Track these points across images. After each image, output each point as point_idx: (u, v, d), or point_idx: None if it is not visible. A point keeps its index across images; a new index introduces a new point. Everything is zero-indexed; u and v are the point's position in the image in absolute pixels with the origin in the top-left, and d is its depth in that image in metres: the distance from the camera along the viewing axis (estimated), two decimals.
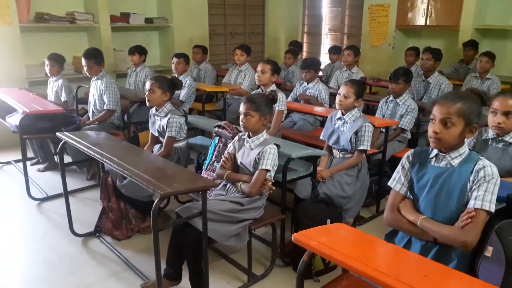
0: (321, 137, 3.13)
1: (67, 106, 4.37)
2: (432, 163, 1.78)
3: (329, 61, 6.00)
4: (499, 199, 1.73)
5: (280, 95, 3.46)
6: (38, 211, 3.43)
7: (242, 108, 2.38)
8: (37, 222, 3.25)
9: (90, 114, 4.16)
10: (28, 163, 3.92)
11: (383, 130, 3.42)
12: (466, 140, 1.87)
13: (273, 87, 3.53)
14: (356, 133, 2.87)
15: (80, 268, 2.64)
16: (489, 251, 1.59)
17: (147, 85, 3.01)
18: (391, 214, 1.84)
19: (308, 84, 4.32)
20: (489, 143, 2.36)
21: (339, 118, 2.98)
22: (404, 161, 1.87)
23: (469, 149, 1.75)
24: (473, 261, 1.68)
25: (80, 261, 2.72)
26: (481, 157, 1.70)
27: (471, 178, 1.66)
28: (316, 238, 1.49)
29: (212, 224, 2.21)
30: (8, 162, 4.48)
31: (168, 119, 3.00)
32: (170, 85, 3.06)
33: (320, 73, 5.37)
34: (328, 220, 2.56)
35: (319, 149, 2.96)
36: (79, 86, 4.60)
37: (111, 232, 2.95)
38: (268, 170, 2.34)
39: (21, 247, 2.91)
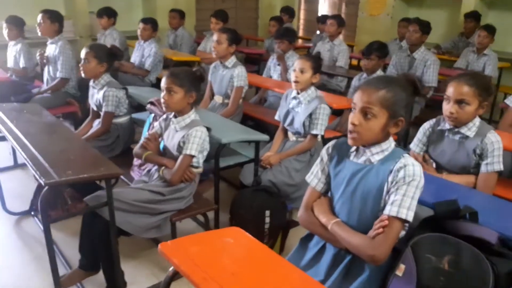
0: (275, 117, 2.84)
1: (26, 73, 4.13)
2: (351, 158, 1.49)
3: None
4: (425, 204, 1.47)
5: (240, 69, 3.17)
6: None
7: (163, 82, 2.10)
8: None
9: (44, 81, 3.91)
10: None
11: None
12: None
13: (233, 59, 3.22)
14: (310, 115, 2.57)
15: (2, 248, 2.48)
16: (400, 270, 1.33)
17: (82, 54, 2.73)
18: (304, 213, 1.59)
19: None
20: (446, 134, 2.04)
21: (294, 97, 2.67)
22: (323, 153, 1.59)
23: (395, 145, 1.46)
24: (386, 277, 1.41)
25: (7, 241, 2.56)
26: (404, 155, 1.41)
27: (390, 179, 1.38)
28: (186, 248, 1.24)
29: (126, 216, 2.00)
30: None
31: (104, 92, 2.73)
32: (108, 54, 2.77)
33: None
34: (267, 212, 2.31)
35: None
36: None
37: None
38: (192, 156, 2.08)
39: None
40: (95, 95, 2.84)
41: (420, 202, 1.50)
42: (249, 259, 1.26)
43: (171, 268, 1.23)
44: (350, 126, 1.41)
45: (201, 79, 2.19)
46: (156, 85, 4.57)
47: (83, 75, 2.80)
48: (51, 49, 3.76)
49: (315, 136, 2.59)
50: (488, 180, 1.91)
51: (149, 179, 2.22)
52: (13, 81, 3.59)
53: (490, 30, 4.16)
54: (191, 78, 2.11)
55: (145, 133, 2.58)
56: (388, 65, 4.10)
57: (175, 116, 2.18)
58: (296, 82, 2.54)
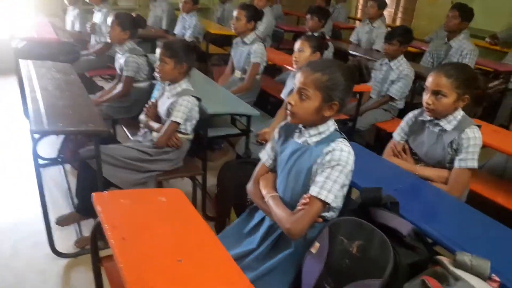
0: (281, 95, 2.88)
1: (80, 37, 4.52)
2: (295, 137, 1.54)
3: None
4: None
5: (257, 46, 3.22)
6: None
7: (157, 53, 2.24)
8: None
9: (91, 45, 4.26)
10: None
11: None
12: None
13: (252, 35, 3.27)
14: None
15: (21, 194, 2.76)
16: (315, 247, 1.38)
17: (107, 21, 2.96)
18: (251, 185, 1.68)
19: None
20: (426, 125, 1.97)
21: None
22: (275, 131, 1.65)
23: (335, 129, 1.47)
24: None
25: (25, 187, 2.82)
26: (340, 139, 1.43)
27: (319, 160, 1.42)
28: (115, 200, 1.39)
29: (115, 170, 2.20)
30: None
31: (126, 58, 2.95)
32: (132, 23, 2.97)
33: None
34: None
35: None
36: None
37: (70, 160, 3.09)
38: (177, 123, 2.23)
39: None
40: (119, 60, 3.08)
41: (356, 186, 1.53)
42: (172, 220, 1.35)
43: (97, 218, 1.36)
44: (288, 106, 1.45)
45: (194, 50, 2.30)
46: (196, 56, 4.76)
47: (108, 40, 3.04)
48: (98, 16, 4.07)
49: None
50: (459, 176, 1.84)
51: (143, 139, 2.42)
52: (63, 42, 3.94)
53: None
54: (183, 50, 2.23)
55: (152, 98, 2.77)
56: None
57: (168, 85, 2.32)
58: (295, 61, 2.56)
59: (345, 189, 1.47)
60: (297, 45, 2.55)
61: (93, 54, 4.14)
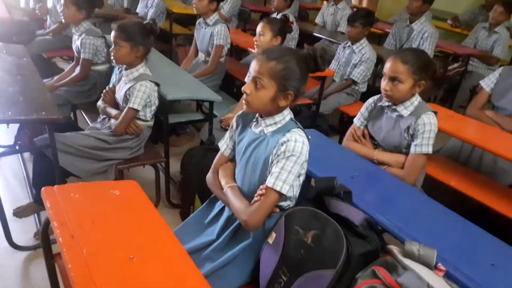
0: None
1: (35, 15, 4.27)
2: (252, 127, 1.52)
3: None
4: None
5: (220, 27, 3.14)
6: None
7: (111, 36, 2.15)
8: None
9: (47, 25, 4.04)
10: None
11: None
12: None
13: (214, 16, 3.19)
14: None
15: None
16: (271, 238, 1.39)
17: (61, 0, 2.81)
18: (210, 175, 1.66)
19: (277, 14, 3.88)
20: (385, 111, 2.01)
21: None
22: (234, 120, 1.63)
23: (291, 119, 1.47)
24: None
25: None
26: (294, 129, 1.42)
27: (274, 151, 1.41)
28: (66, 195, 1.34)
29: (72, 159, 2.13)
30: None
31: (81, 39, 2.82)
32: (87, 1, 2.82)
33: None
34: None
35: None
36: None
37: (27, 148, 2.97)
38: (135, 109, 2.17)
39: None
40: (76, 42, 2.94)
41: (312, 175, 1.54)
42: (125, 214, 1.32)
43: (46, 215, 1.31)
44: (244, 95, 1.43)
45: (152, 32, 2.22)
46: (159, 36, 4.62)
47: (63, 20, 2.88)
48: None
49: None
50: (414, 161, 1.89)
51: (101, 127, 2.34)
52: (17, 21, 3.73)
53: (508, 6, 3.84)
54: (139, 32, 2.15)
55: (111, 83, 2.68)
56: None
57: (125, 69, 2.24)
58: (256, 45, 2.52)
59: (302, 178, 1.48)
60: (259, 28, 2.52)
61: (49, 34, 3.93)
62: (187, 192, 2.38)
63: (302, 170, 1.45)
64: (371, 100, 2.10)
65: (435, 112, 1.92)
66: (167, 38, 4.59)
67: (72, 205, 1.30)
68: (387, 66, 1.88)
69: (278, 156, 1.39)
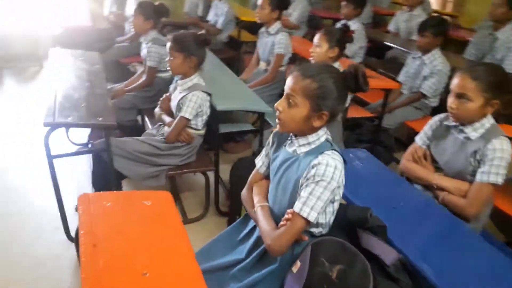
0: None
1: (117, 20, 4.58)
2: (286, 146, 1.46)
3: None
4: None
5: (281, 36, 3.11)
6: None
7: (167, 47, 2.21)
8: None
9: (126, 30, 4.32)
10: None
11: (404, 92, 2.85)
12: None
13: (277, 25, 3.15)
14: None
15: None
16: (296, 266, 1.31)
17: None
18: (245, 191, 1.62)
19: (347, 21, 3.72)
20: (451, 131, 1.81)
21: None
22: (270, 137, 1.57)
23: (327, 140, 1.37)
24: None
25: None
26: (328, 152, 1.32)
27: (304, 174, 1.33)
28: (99, 202, 1.39)
29: (127, 163, 2.24)
30: None
31: (148, 48, 2.95)
32: (154, 11, 2.95)
33: None
34: None
35: None
36: None
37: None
38: (187, 118, 2.21)
39: None
40: (144, 50, 3.10)
41: (350, 201, 1.43)
42: (150, 226, 1.34)
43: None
44: (276, 112, 1.37)
45: (205, 42, 2.25)
46: (228, 43, 4.72)
47: (132, 29, 3.05)
48: (131, 2, 4.11)
49: None
50: (479, 191, 1.66)
51: (156, 133, 2.42)
52: (98, 29, 4.05)
53: None
54: (192, 43, 2.19)
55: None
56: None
57: (180, 79, 2.30)
58: (312, 57, 2.44)
59: (336, 205, 1.38)
60: (315, 39, 2.43)
61: (127, 41, 4.20)
62: (235, 202, 2.37)
63: (337, 196, 1.35)
64: (437, 118, 1.90)
65: (510, 138, 1.69)
66: (236, 45, 4.66)
67: (102, 214, 1.35)
68: (455, 81, 1.70)
69: (308, 179, 1.31)
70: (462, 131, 1.74)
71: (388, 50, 4.13)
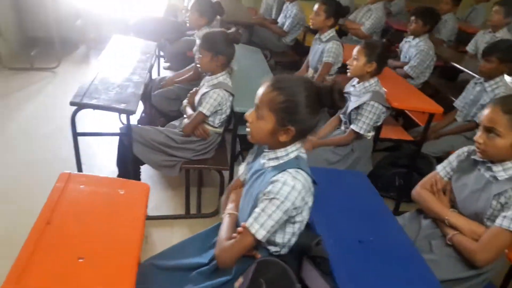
0: None
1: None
2: (261, 157, 1.40)
3: None
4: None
5: (332, 45, 2.99)
6: None
7: (196, 44, 2.24)
8: None
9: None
10: None
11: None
12: None
13: (330, 33, 3.03)
14: (358, 108, 2.30)
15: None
16: (238, 282, 1.25)
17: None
18: (224, 197, 1.59)
19: (412, 39, 3.45)
20: (478, 166, 1.60)
21: (353, 85, 2.42)
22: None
23: (296, 157, 1.28)
24: None
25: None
26: (291, 170, 1.23)
27: (263, 189, 1.26)
28: (77, 183, 1.46)
29: (145, 149, 2.33)
30: None
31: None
32: (210, 9, 3.01)
33: None
34: None
35: None
36: None
37: None
38: (204, 114, 2.23)
39: None
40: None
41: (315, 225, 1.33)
42: (110, 215, 1.36)
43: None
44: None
45: (234, 41, 2.23)
46: (293, 47, 4.66)
47: (187, 24, 3.16)
48: None
49: (355, 132, 2.32)
50: (496, 237, 1.45)
51: (179, 125, 2.48)
52: (169, 21, 4.24)
53: None
54: (221, 42, 2.19)
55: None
56: None
57: (209, 75, 2.32)
58: (348, 69, 2.30)
59: (298, 226, 1.29)
60: (354, 51, 2.28)
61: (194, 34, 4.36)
62: None
63: (298, 217, 1.26)
64: (466, 148, 1.70)
65: None
66: (300, 49, 4.58)
67: (72, 194, 1.41)
68: (485, 113, 1.52)
69: (264, 195, 1.24)
70: (489, 169, 1.54)
71: (462, 72, 3.74)
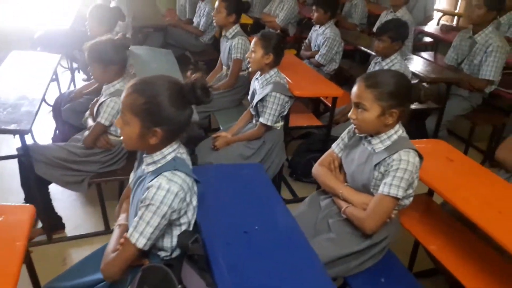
0: (249, 97, 2.64)
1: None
2: (143, 163, 1.35)
3: None
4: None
5: (237, 41, 3.00)
6: None
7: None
8: None
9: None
10: None
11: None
12: None
13: (234, 29, 3.03)
14: (262, 100, 2.32)
15: None
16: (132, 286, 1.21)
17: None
18: (117, 206, 1.55)
19: (319, 27, 3.54)
20: (362, 141, 1.66)
21: (257, 79, 2.45)
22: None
23: (174, 158, 1.25)
24: None
25: None
26: (167, 173, 1.20)
27: (141, 196, 1.22)
28: None
29: (48, 168, 2.20)
30: None
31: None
32: (110, 14, 2.89)
33: None
34: None
35: None
36: None
37: None
38: (103, 125, 2.15)
39: None
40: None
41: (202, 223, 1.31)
42: None
43: None
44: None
45: (124, 46, 2.18)
46: (212, 45, 4.63)
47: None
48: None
49: (263, 124, 2.34)
50: (378, 203, 1.53)
51: (82, 137, 2.35)
52: (77, 31, 4.04)
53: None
54: (109, 50, 2.09)
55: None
56: None
57: (106, 84, 2.22)
58: (248, 63, 2.33)
59: (185, 227, 1.27)
60: (251, 44, 2.30)
61: None
62: None
63: (183, 219, 1.24)
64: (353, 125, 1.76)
65: (421, 157, 1.52)
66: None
67: None
68: (352, 90, 1.57)
69: (141, 202, 1.21)
70: (369, 142, 1.61)
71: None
